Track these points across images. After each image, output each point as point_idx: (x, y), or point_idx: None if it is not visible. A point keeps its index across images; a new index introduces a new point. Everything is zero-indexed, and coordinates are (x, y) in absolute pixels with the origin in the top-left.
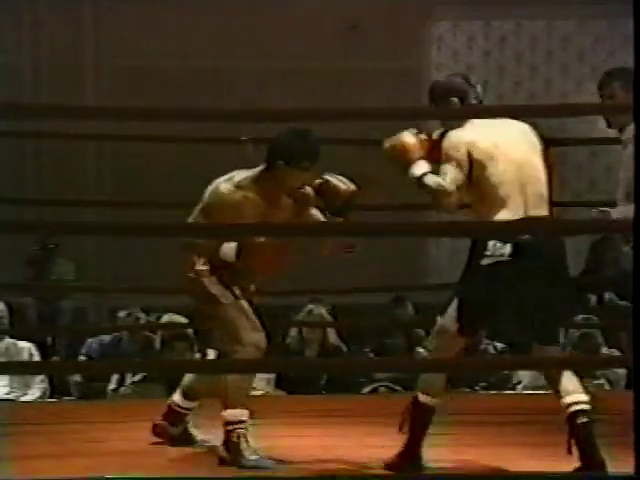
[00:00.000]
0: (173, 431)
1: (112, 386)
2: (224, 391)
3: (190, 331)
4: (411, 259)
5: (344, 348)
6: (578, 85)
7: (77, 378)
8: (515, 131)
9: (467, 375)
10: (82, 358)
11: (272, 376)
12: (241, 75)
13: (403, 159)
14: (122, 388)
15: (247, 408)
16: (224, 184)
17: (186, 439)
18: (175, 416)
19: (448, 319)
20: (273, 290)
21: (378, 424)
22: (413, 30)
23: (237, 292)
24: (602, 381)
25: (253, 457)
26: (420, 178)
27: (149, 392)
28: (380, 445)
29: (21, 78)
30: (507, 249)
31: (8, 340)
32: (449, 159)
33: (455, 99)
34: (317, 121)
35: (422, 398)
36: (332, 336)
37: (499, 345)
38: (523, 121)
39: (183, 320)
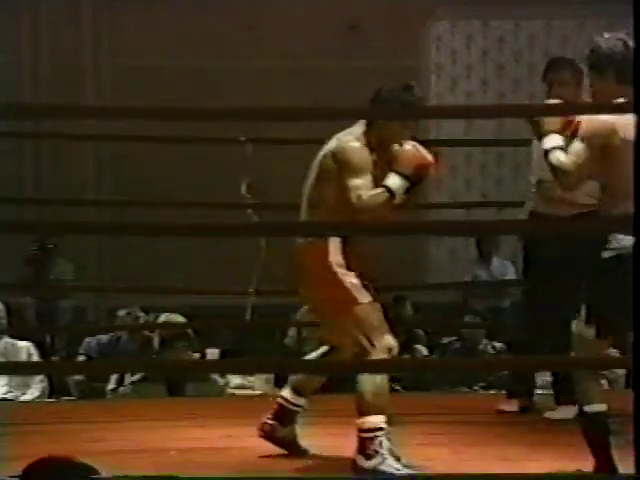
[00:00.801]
0: (281, 432)
1: (111, 386)
2: (360, 397)
3: (190, 331)
4: (411, 258)
5: None
6: None
7: (76, 378)
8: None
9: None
10: (81, 358)
11: (271, 376)
12: (240, 75)
13: (539, 129)
14: (121, 388)
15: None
16: (349, 139)
17: (293, 444)
18: (284, 414)
19: (581, 326)
20: (272, 290)
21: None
22: (412, 30)
23: (372, 290)
24: (602, 381)
25: (396, 465)
26: (547, 151)
27: (148, 392)
28: None
29: (20, 78)
30: (629, 241)
31: (7, 340)
32: (582, 138)
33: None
34: (319, 120)
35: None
36: None
37: (498, 345)
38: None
39: (182, 319)
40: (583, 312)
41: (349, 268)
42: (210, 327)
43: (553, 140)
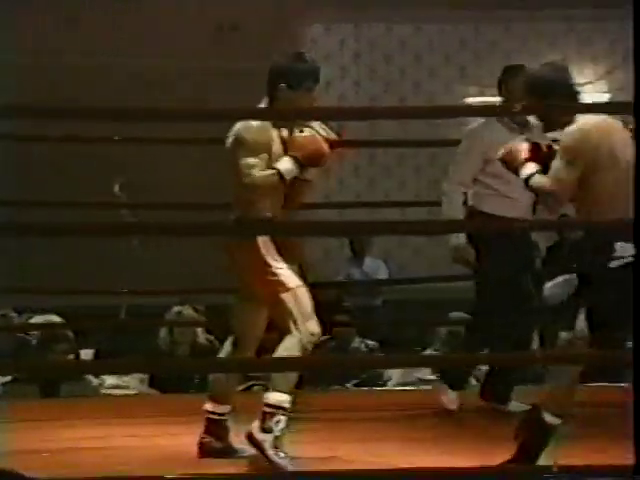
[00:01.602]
0: (219, 445)
1: None
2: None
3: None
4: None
5: (218, 347)
6: (446, 87)
7: None
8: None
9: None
10: None
11: (145, 376)
12: (121, 74)
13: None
14: None
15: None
16: (248, 123)
17: (232, 450)
18: (215, 427)
19: (579, 332)
20: (145, 290)
21: (252, 421)
22: (288, 32)
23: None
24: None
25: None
26: (527, 180)
27: (20, 393)
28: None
29: None
30: (632, 249)
31: None
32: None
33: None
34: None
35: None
36: (202, 337)
37: (370, 343)
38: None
39: (58, 320)
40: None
41: (279, 255)
42: (84, 327)
43: (529, 168)
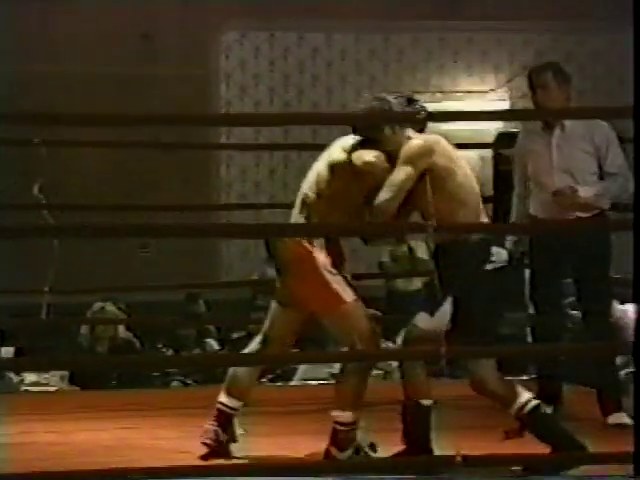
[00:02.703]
0: (222, 437)
1: None
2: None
3: None
4: (203, 258)
5: (137, 344)
6: (357, 94)
7: None
8: None
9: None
10: None
11: (66, 373)
12: (39, 80)
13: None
14: None
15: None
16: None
17: (227, 449)
18: (224, 419)
19: (437, 323)
20: (67, 289)
21: (170, 417)
22: (203, 39)
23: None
24: (380, 371)
25: None
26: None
27: None
28: (173, 437)
29: None
30: (505, 255)
31: None
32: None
33: None
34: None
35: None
36: (122, 333)
37: None
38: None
39: None
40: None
41: (333, 266)
42: (4, 326)
43: None
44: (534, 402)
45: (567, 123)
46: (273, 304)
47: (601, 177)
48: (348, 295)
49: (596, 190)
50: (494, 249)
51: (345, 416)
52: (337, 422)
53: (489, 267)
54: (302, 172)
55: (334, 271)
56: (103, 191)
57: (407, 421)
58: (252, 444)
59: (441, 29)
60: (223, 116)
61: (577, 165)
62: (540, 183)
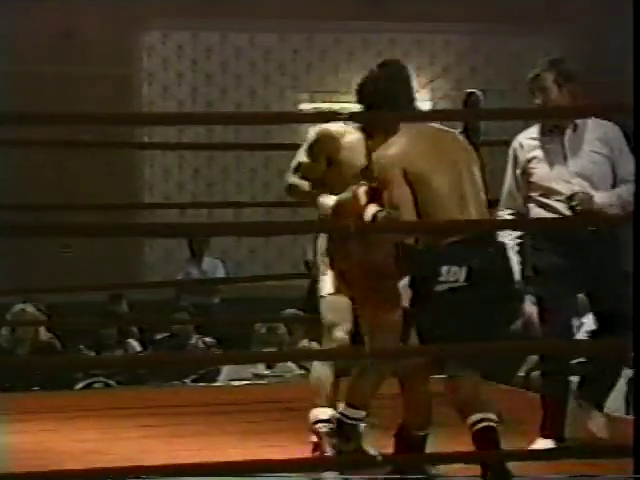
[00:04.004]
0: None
1: None
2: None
3: None
4: (127, 258)
5: (58, 345)
6: (280, 94)
7: None
8: None
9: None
10: None
11: None
12: None
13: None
14: None
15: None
16: None
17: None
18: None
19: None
20: None
21: (92, 418)
22: (125, 38)
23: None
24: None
25: None
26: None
27: None
28: (94, 439)
29: None
30: (462, 274)
31: None
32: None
33: None
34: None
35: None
36: (43, 334)
37: (208, 340)
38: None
39: None
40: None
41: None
42: None
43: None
44: (486, 423)
45: (579, 123)
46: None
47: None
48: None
49: (611, 197)
50: (444, 268)
51: (357, 412)
52: (344, 415)
53: (440, 288)
54: (225, 171)
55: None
56: (24, 191)
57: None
58: (178, 445)
59: (364, 30)
60: (146, 115)
61: (592, 169)
62: (550, 189)
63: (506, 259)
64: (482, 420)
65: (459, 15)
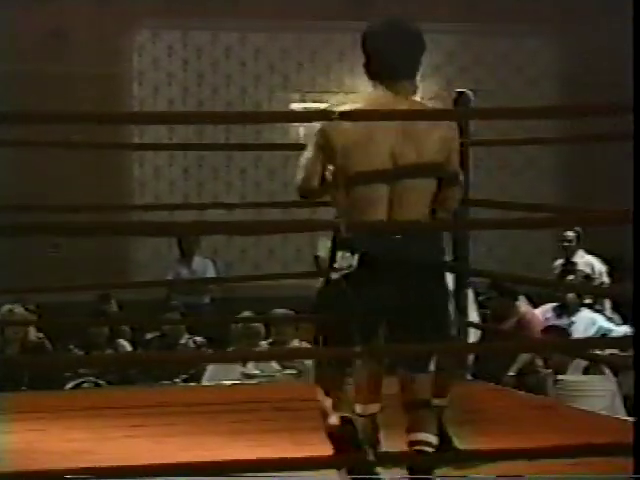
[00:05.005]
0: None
1: None
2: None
3: None
4: (117, 257)
5: (48, 345)
6: (271, 93)
7: None
8: None
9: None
10: None
11: None
12: None
13: None
14: None
15: None
16: None
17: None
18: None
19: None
20: None
21: (81, 418)
22: (115, 37)
23: None
24: (294, 371)
25: None
26: None
27: None
28: (83, 439)
29: None
30: (354, 260)
31: None
32: None
33: None
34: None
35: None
36: (33, 334)
37: (198, 339)
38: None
39: None
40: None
41: None
42: None
43: None
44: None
45: None
46: None
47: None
48: None
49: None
50: (339, 253)
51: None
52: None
53: (334, 275)
54: (215, 171)
55: None
56: (16, 191)
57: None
58: (168, 444)
59: (354, 29)
60: (137, 114)
61: None
62: None
63: (430, 250)
64: (420, 443)
65: (449, 15)
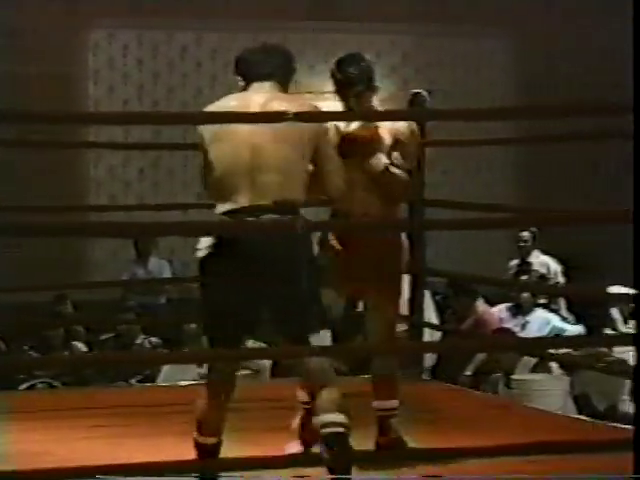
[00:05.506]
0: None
1: None
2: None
3: None
4: (72, 258)
5: (2, 346)
6: (228, 93)
7: None
8: None
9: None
10: None
11: None
12: None
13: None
14: None
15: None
16: None
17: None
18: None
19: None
20: None
21: (37, 419)
22: (69, 37)
23: None
24: (249, 371)
25: None
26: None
27: None
28: (38, 440)
29: None
30: (208, 242)
31: None
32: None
33: None
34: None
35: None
36: None
37: (154, 340)
38: None
39: None
40: None
41: None
42: None
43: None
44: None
45: None
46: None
47: None
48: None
49: None
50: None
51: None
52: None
53: (196, 255)
54: (171, 172)
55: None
56: None
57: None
58: (124, 445)
59: (310, 29)
60: (93, 114)
61: None
62: None
63: (290, 240)
64: (329, 425)
65: (405, 15)
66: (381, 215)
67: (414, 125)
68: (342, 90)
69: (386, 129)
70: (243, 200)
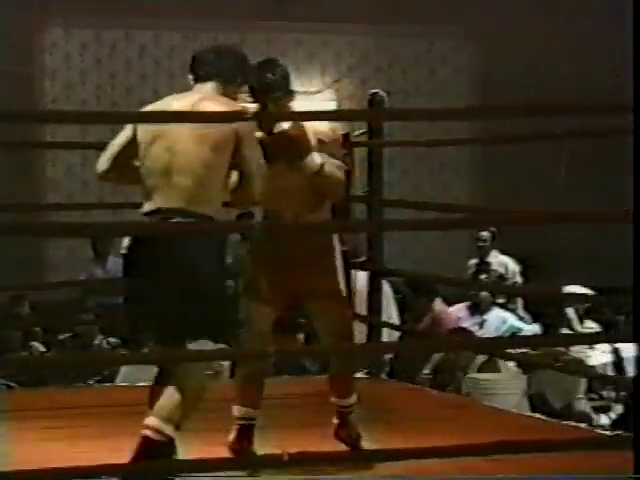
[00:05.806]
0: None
1: None
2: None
3: None
4: (29, 258)
5: None
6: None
7: None
8: None
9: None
10: None
11: None
12: None
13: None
14: None
15: None
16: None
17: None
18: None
19: None
20: None
21: None
22: (26, 36)
23: None
24: (210, 372)
25: None
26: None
27: None
28: None
29: None
30: (126, 242)
31: None
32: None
33: None
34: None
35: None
36: None
37: (112, 340)
38: None
39: None
40: None
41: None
42: None
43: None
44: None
45: None
46: (249, 303)
47: None
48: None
49: None
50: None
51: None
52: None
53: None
54: None
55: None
56: None
57: None
58: (81, 447)
59: (269, 29)
60: (49, 112)
61: None
62: None
63: (197, 242)
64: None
65: (364, 16)
66: (312, 217)
67: (335, 125)
68: (260, 96)
69: (309, 130)
70: (160, 201)
